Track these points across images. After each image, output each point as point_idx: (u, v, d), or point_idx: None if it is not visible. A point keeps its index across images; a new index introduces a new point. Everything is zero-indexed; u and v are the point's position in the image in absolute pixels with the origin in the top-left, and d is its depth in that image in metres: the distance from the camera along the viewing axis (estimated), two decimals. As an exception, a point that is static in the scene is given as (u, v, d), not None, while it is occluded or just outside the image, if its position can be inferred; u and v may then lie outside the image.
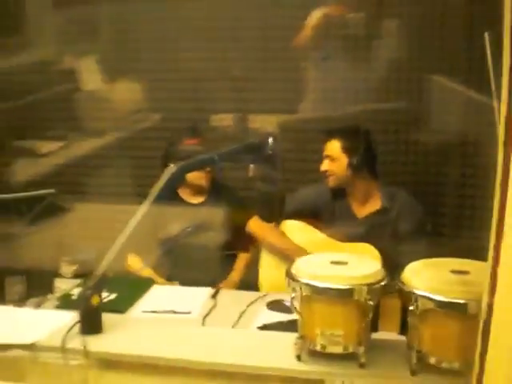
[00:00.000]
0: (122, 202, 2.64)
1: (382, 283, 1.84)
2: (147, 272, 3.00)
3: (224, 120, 3.51)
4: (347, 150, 2.91)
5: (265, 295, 2.69)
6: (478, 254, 1.79)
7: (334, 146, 2.93)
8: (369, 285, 1.81)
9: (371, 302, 1.80)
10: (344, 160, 2.91)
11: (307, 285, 1.81)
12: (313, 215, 3.04)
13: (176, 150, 2.96)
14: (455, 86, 3.20)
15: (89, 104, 3.76)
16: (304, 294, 1.82)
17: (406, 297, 1.81)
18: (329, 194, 3.03)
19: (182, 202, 3.07)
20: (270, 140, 2.55)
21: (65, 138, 3.79)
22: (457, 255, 1.95)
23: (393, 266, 1.99)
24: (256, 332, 2.34)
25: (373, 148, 2.98)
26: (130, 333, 2.16)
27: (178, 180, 2.28)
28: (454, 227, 3.29)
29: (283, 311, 2.49)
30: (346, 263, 1.91)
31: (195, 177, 3.00)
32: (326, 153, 2.97)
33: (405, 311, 1.84)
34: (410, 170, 3.35)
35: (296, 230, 3.00)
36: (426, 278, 1.82)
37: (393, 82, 3.28)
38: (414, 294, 1.78)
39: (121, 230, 2.06)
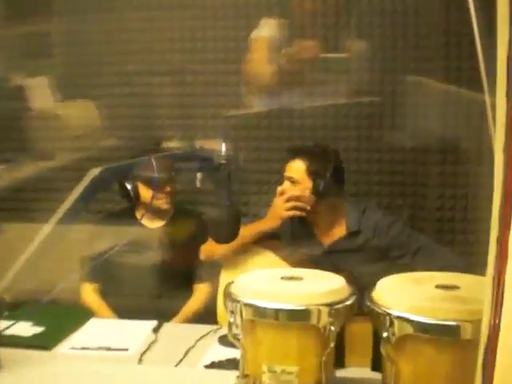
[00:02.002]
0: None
1: (348, 302, 1.36)
2: (100, 307, 2.56)
3: (178, 141, 3.08)
4: (313, 173, 2.39)
5: (218, 328, 2.19)
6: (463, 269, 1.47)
7: (298, 168, 2.41)
8: (330, 305, 1.33)
9: (333, 328, 1.31)
10: (308, 184, 2.40)
11: (249, 306, 1.33)
12: (273, 240, 2.56)
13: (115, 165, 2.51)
14: (432, 86, 2.80)
15: (38, 124, 3.33)
16: (246, 317, 1.33)
17: (379, 320, 1.33)
18: (288, 219, 2.51)
19: (138, 225, 2.60)
20: (223, 147, 2.09)
21: (12, 159, 3.34)
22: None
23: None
24: (201, 371, 1.84)
25: (341, 171, 2.48)
26: (45, 373, 1.71)
27: (103, 187, 1.81)
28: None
29: (237, 346, 1.99)
30: (300, 279, 1.42)
31: (150, 197, 2.54)
32: (287, 174, 2.45)
33: (378, 339, 1.36)
34: (386, 179, 2.92)
35: (254, 253, 2.50)
36: (405, 294, 1.33)
37: (365, 83, 2.87)
38: (388, 315, 1.29)
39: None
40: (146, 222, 2.63)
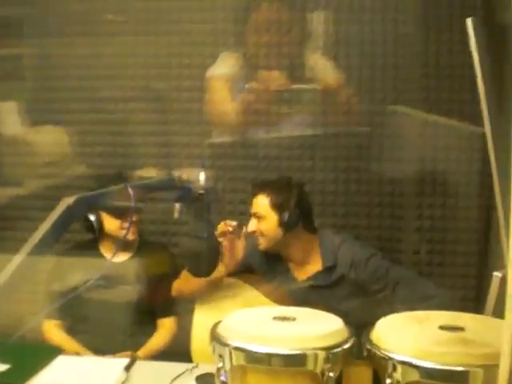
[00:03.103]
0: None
1: (346, 346, 1.23)
2: (66, 343, 2.37)
3: (153, 170, 2.93)
4: (277, 206, 2.29)
5: (194, 367, 2.02)
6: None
7: (262, 203, 2.31)
8: (327, 348, 1.19)
9: (331, 374, 1.18)
10: (273, 218, 2.29)
11: (240, 350, 1.19)
12: (250, 273, 2.42)
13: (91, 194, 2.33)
14: (410, 116, 2.72)
15: (6, 150, 3.15)
16: (236, 363, 1.19)
17: (380, 364, 1.20)
18: (262, 254, 2.38)
19: (102, 259, 2.43)
20: (202, 176, 1.96)
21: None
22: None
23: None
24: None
25: (307, 202, 2.38)
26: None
27: (78, 216, 1.66)
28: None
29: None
30: (293, 319, 1.29)
31: (117, 227, 2.38)
32: (252, 210, 2.34)
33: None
34: (363, 212, 2.81)
35: (232, 288, 2.35)
36: (407, 336, 1.21)
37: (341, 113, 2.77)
38: (391, 359, 1.17)
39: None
40: (110, 254, 2.44)
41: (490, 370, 1.09)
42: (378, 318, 1.34)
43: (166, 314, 2.47)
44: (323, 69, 2.70)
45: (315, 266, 2.35)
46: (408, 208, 2.79)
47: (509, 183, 1.04)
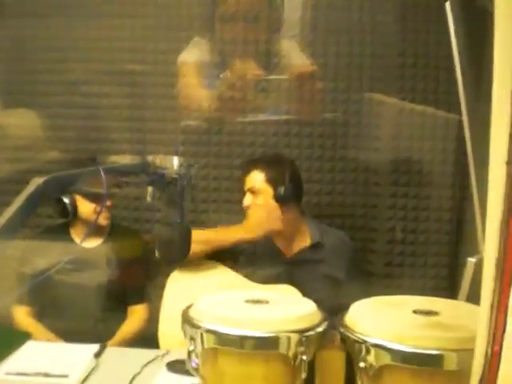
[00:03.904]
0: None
1: (319, 329, 1.20)
2: (35, 330, 2.31)
3: (128, 156, 2.86)
4: (272, 180, 2.34)
5: (165, 354, 1.98)
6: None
7: (257, 178, 2.36)
8: (300, 331, 1.17)
9: (304, 357, 1.16)
10: (269, 192, 2.33)
11: (211, 332, 1.15)
12: (230, 255, 2.40)
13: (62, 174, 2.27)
14: (387, 104, 2.70)
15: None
16: (207, 346, 1.16)
17: (353, 348, 1.17)
18: None
19: (72, 242, 2.38)
20: (175, 161, 1.92)
21: None
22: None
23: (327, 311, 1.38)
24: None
25: (299, 178, 2.44)
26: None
27: (47, 198, 1.61)
28: (383, 265, 2.75)
29: (186, 373, 1.80)
30: (266, 302, 1.26)
31: (91, 211, 2.33)
32: (247, 186, 2.38)
33: (351, 368, 1.21)
34: (336, 200, 2.80)
35: (209, 270, 2.33)
36: (381, 320, 1.19)
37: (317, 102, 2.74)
38: (364, 343, 1.15)
39: None
40: (78, 238, 2.40)
41: (464, 353, 1.07)
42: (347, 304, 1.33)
43: (137, 301, 2.43)
44: (296, 57, 2.68)
45: (302, 242, 2.39)
46: (382, 197, 2.78)
47: (485, 169, 1.02)
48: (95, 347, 2.02)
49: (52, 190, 1.61)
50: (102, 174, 1.68)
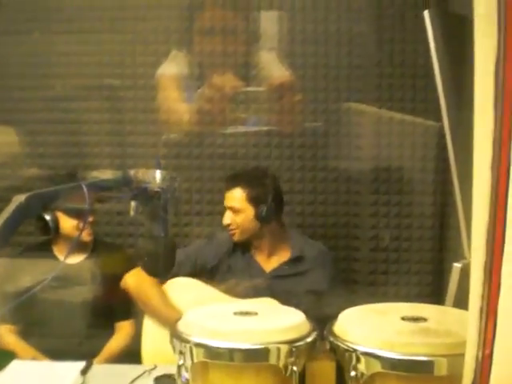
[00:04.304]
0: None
1: (309, 339, 1.19)
2: (20, 349, 2.27)
3: (109, 171, 2.83)
4: (254, 199, 2.29)
5: (152, 369, 1.96)
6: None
7: (238, 196, 2.31)
8: (290, 342, 1.16)
9: (295, 368, 1.15)
10: (250, 211, 2.29)
11: (202, 346, 1.14)
12: (210, 271, 2.37)
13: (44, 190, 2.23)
14: (367, 113, 2.72)
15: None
16: (197, 359, 1.14)
17: (343, 357, 1.17)
18: (229, 247, 2.38)
19: (54, 260, 2.34)
20: (158, 174, 1.91)
21: None
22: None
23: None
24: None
25: (280, 195, 2.41)
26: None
27: (30, 215, 1.58)
28: (368, 273, 2.76)
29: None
30: (255, 314, 1.25)
31: (73, 227, 2.30)
32: (227, 204, 2.33)
33: (341, 377, 1.20)
34: (319, 210, 2.80)
35: (184, 287, 2.27)
36: (371, 328, 1.19)
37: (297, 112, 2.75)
38: (354, 351, 1.14)
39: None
40: (61, 255, 2.36)
41: (454, 359, 1.08)
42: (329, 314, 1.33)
43: (124, 317, 2.40)
44: (273, 68, 2.69)
45: (282, 256, 2.38)
46: (364, 205, 2.79)
47: (468, 176, 1.02)
48: (81, 364, 1.99)
49: (34, 207, 1.57)
50: (85, 189, 1.67)
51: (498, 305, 0.90)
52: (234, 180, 2.36)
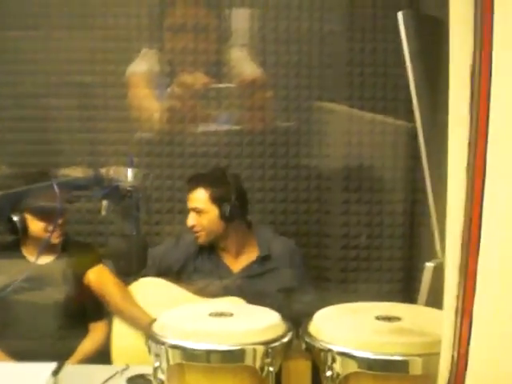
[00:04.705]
0: None
1: (285, 340, 1.20)
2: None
3: (79, 169, 2.79)
4: (216, 199, 2.26)
5: (124, 369, 1.94)
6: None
7: (201, 197, 2.28)
8: (266, 343, 1.16)
9: (271, 368, 1.15)
10: (214, 211, 2.27)
11: (178, 348, 1.14)
12: (178, 272, 2.35)
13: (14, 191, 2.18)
14: (337, 112, 2.73)
15: None
16: (173, 362, 1.14)
17: (319, 357, 1.17)
18: (195, 249, 2.36)
19: (24, 261, 2.30)
20: (130, 173, 1.89)
21: None
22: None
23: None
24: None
25: (244, 193, 2.39)
26: None
27: (1, 215, 1.56)
28: (339, 270, 2.77)
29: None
30: (230, 315, 1.25)
31: (41, 229, 2.25)
32: (190, 205, 2.30)
33: (317, 377, 1.21)
34: (290, 208, 2.81)
35: (151, 287, 2.27)
36: (346, 328, 1.20)
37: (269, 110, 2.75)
38: (330, 351, 1.15)
39: None
40: (34, 257, 2.31)
41: (429, 358, 1.09)
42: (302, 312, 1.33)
43: (97, 318, 2.36)
44: (244, 66, 2.68)
45: (250, 256, 2.36)
46: (335, 203, 2.80)
47: (442, 174, 1.03)
48: (53, 365, 1.96)
49: (4, 208, 1.56)
50: (56, 189, 1.65)
51: (473, 305, 0.91)
52: (195, 181, 2.33)
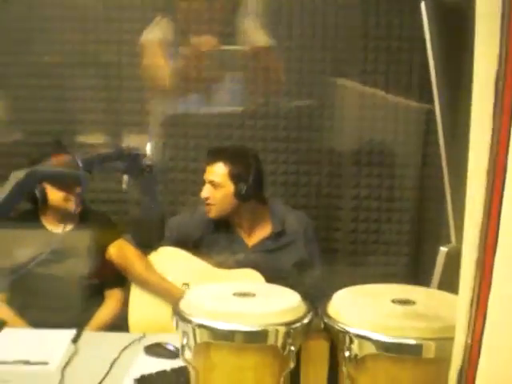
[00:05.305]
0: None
1: (305, 321, 1.27)
2: (10, 317, 2.30)
3: (95, 137, 2.84)
4: (234, 176, 2.30)
5: (142, 337, 2.03)
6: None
7: (220, 171, 2.31)
8: (288, 324, 1.23)
9: (293, 348, 1.23)
10: (230, 188, 2.30)
11: (204, 327, 1.21)
12: (194, 244, 2.42)
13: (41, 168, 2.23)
14: (350, 87, 2.77)
15: None
16: (200, 340, 1.22)
17: (337, 337, 1.25)
18: (210, 221, 2.41)
19: (44, 230, 2.37)
20: (149, 147, 1.95)
21: None
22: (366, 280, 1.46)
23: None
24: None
25: (261, 174, 2.41)
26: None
27: (26, 189, 1.61)
28: (349, 242, 2.85)
29: (165, 356, 1.85)
30: (253, 295, 1.32)
31: (61, 199, 2.32)
32: (208, 177, 2.34)
33: (335, 356, 1.29)
34: (302, 180, 2.87)
35: (171, 256, 2.35)
36: (363, 310, 1.27)
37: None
38: (348, 333, 1.22)
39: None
40: (52, 226, 2.39)
41: (442, 342, 1.16)
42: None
43: (113, 285, 2.44)
44: (254, 32, 2.70)
45: (264, 231, 2.42)
46: (346, 177, 2.86)
47: (458, 159, 1.07)
48: (72, 332, 2.04)
49: (31, 182, 1.61)
50: (80, 162, 1.70)
51: (488, 298, 0.97)
52: (217, 154, 2.35)
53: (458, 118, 1.49)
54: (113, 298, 2.44)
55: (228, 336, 1.20)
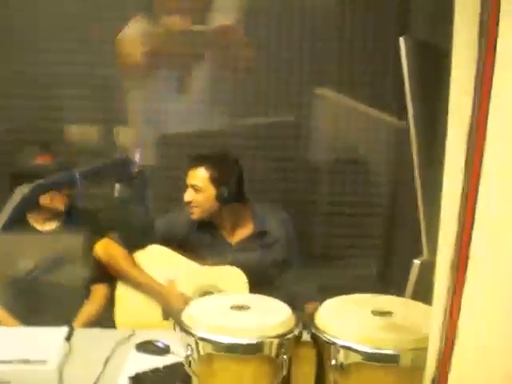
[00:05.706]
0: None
1: (296, 332, 1.43)
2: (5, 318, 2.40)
3: (82, 133, 2.90)
4: (216, 180, 2.42)
5: (131, 335, 2.15)
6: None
7: (201, 176, 2.43)
8: (281, 336, 1.39)
9: (285, 356, 1.39)
10: (211, 191, 2.43)
11: (206, 340, 1.36)
12: (179, 243, 2.54)
13: (25, 167, 2.32)
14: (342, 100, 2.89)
15: None
16: (203, 352, 1.36)
17: (324, 347, 1.41)
18: (193, 221, 2.52)
19: (31, 229, 2.44)
20: (138, 156, 2.06)
21: None
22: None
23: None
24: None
25: (241, 178, 2.53)
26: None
27: (30, 203, 1.73)
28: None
29: (155, 353, 2.00)
30: (248, 308, 1.47)
31: (50, 199, 2.39)
32: (190, 182, 2.45)
33: (321, 363, 1.45)
34: (280, 187, 3.01)
35: (157, 254, 2.47)
36: (347, 322, 1.43)
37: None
38: (334, 344, 1.38)
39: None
40: (40, 225, 2.43)
41: (417, 352, 1.32)
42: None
43: (98, 280, 2.55)
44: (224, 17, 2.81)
45: (245, 231, 2.56)
46: (321, 183, 3.01)
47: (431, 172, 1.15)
48: (63, 330, 2.11)
49: (35, 195, 1.72)
50: (78, 177, 1.81)
51: (461, 303, 1.08)
52: (198, 160, 2.47)
53: (431, 132, 1.62)
54: (98, 293, 2.54)
55: (229, 348, 1.35)
